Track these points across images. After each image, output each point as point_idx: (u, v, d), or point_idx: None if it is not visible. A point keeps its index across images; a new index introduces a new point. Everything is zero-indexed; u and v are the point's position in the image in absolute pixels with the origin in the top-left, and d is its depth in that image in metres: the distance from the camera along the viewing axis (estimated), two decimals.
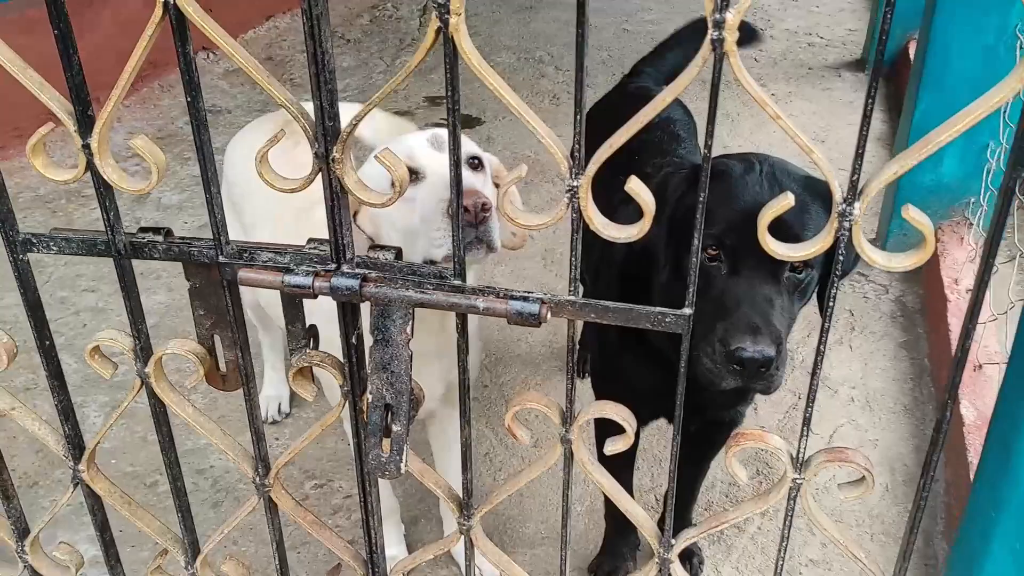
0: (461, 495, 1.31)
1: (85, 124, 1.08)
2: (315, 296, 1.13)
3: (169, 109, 4.93)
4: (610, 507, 2.17)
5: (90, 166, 1.11)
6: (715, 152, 2.38)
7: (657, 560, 1.27)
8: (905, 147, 0.91)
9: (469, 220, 1.47)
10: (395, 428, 1.16)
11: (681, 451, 2.22)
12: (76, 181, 1.13)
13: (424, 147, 1.63)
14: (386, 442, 1.17)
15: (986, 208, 3.03)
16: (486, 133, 4.84)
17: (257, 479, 1.39)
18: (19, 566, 1.62)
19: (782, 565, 1.22)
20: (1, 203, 1.17)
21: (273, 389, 2.86)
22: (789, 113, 4.50)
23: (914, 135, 3.36)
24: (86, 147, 1.09)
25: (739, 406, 1.87)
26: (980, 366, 2.49)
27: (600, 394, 1.89)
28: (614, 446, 1.21)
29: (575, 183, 1.00)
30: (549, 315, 1.09)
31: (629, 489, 2.07)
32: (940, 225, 3.19)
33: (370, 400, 1.15)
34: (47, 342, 1.31)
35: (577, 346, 1.15)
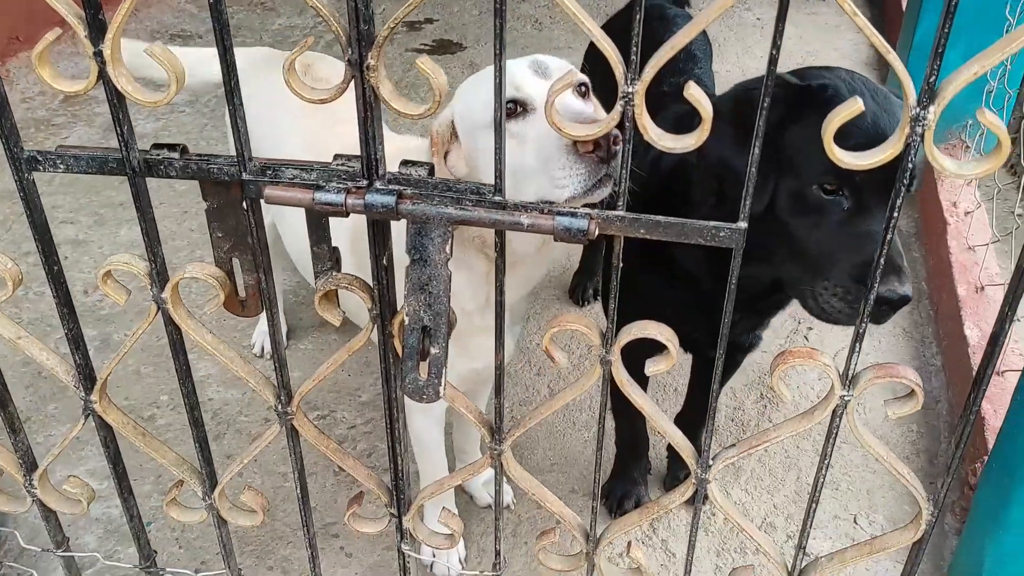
0: (493, 420, 1.28)
1: (96, 29, 1.00)
2: (347, 214, 1.07)
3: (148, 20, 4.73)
4: (621, 432, 2.16)
5: (102, 75, 1.03)
6: (713, 79, 2.31)
7: (694, 480, 1.25)
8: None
9: (600, 156, 1.30)
10: (433, 350, 1.11)
11: (697, 377, 2.21)
12: (86, 92, 1.06)
13: (528, 75, 1.42)
14: (423, 365, 1.13)
15: (985, 131, 3.00)
16: (468, 59, 4.70)
17: (279, 407, 1.35)
18: (27, 501, 1.57)
19: (822, 483, 1.21)
20: (4, 118, 1.10)
21: (267, 324, 2.79)
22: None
23: (914, 56, 3.31)
24: (98, 54, 1.02)
25: (758, 330, 1.84)
26: (982, 288, 2.49)
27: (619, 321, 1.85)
28: (656, 367, 1.18)
29: (630, 89, 0.94)
30: (597, 231, 1.04)
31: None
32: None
33: (407, 322, 1.11)
34: (55, 267, 1.24)
35: (620, 263, 1.11)
